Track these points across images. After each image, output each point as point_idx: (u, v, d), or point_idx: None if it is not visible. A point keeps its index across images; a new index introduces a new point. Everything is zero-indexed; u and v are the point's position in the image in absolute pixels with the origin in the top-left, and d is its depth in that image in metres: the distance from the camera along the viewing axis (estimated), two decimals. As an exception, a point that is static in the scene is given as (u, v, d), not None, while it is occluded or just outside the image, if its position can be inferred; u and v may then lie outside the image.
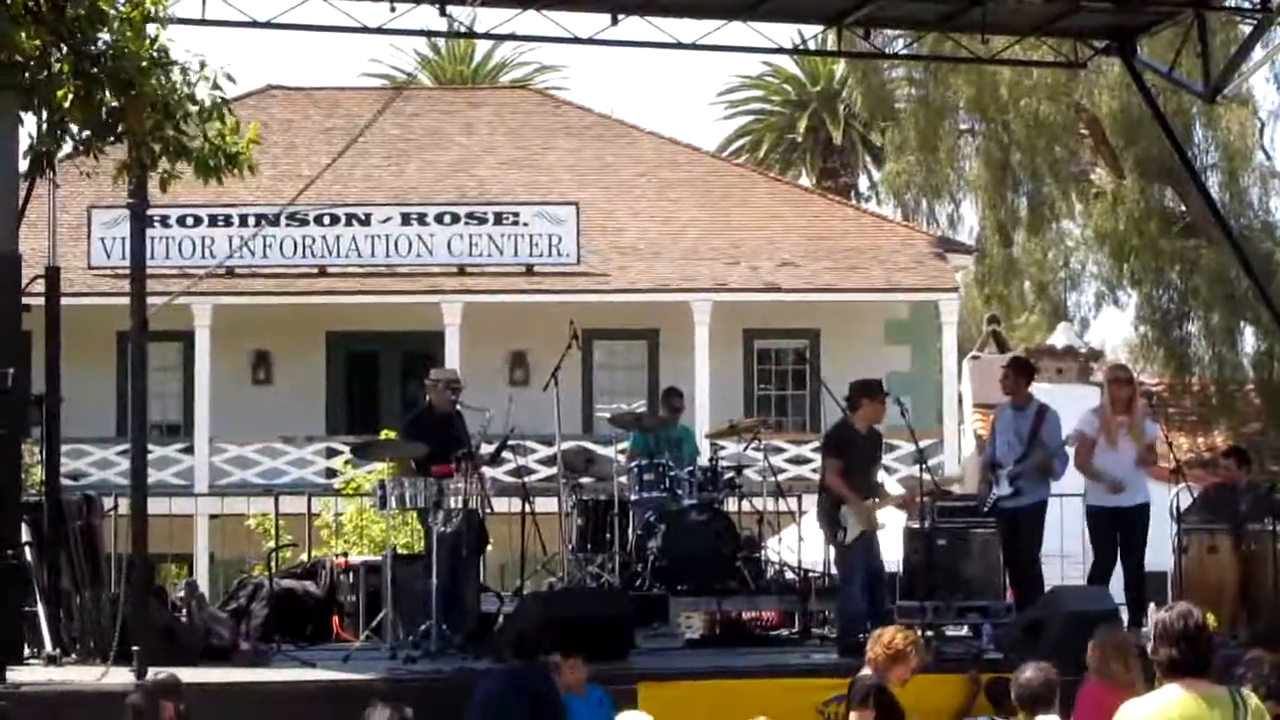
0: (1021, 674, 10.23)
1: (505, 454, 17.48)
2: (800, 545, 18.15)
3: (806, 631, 17.25)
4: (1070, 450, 16.01)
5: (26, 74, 12.54)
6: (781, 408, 34.99)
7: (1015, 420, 16.19)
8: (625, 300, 33.37)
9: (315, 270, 33.11)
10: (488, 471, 16.62)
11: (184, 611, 15.55)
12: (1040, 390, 16.82)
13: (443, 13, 17.42)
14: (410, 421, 17.00)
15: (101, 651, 14.24)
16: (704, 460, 18.39)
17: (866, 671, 11.63)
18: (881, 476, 16.32)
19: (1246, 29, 20.52)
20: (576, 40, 18.41)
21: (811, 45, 22.83)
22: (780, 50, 21.33)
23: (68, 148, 13.92)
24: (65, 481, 18.22)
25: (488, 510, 15.84)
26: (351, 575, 17.69)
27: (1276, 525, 15.86)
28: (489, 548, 16.61)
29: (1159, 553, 16.40)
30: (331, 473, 32.03)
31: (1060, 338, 34.73)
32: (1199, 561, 16.00)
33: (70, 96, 12.54)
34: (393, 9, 17.36)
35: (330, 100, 38.65)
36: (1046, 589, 15.70)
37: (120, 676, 13.05)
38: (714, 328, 33.15)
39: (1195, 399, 36.98)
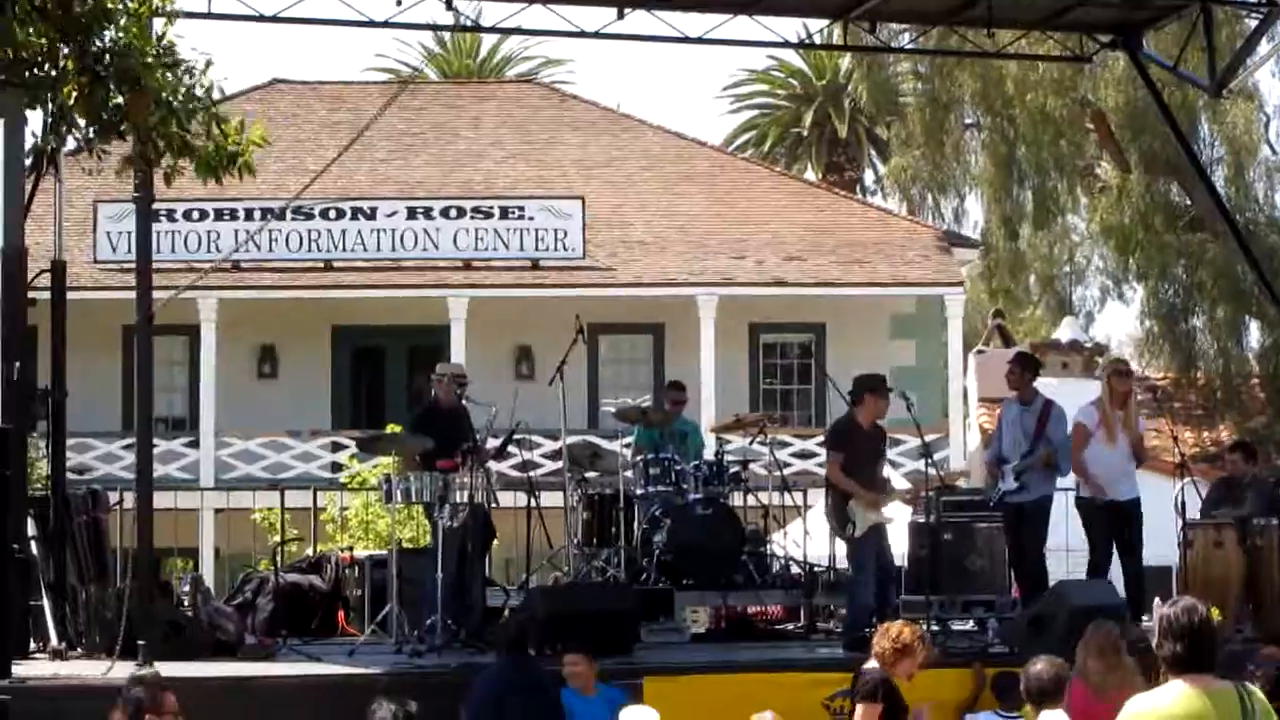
0: (1032, 667, 10.22)
1: (511, 448, 17.47)
2: (806, 540, 18.16)
3: (812, 626, 17.27)
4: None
5: (33, 70, 12.55)
6: (787, 402, 34.96)
7: (1021, 415, 16.20)
8: (631, 294, 33.37)
9: (321, 264, 33.11)
10: (493, 466, 16.62)
11: (189, 606, 15.57)
12: (1045, 385, 16.82)
13: (449, 6, 17.40)
14: (416, 416, 17.00)
15: (107, 646, 14.27)
16: (709, 454, 18.39)
17: (872, 665, 11.63)
18: (886, 471, 16.31)
19: (1252, 23, 20.55)
20: (582, 34, 18.40)
21: (817, 39, 22.73)
22: (786, 44, 21.36)
23: (72, 144, 13.94)
24: (70, 476, 18.21)
25: (493, 504, 15.84)
26: (357, 570, 17.71)
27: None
28: (495, 542, 16.63)
29: (1164, 547, 16.39)
30: (337, 467, 32.02)
31: (1065, 332, 34.75)
32: (1204, 556, 16.00)
33: (75, 94, 12.55)
34: (398, 3, 17.35)
35: (336, 94, 38.63)
36: (1051, 583, 15.71)
37: (125, 671, 13.04)
38: (719, 322, 33.13)
39: (1200, 393, 36.94)
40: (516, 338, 33.73)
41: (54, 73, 12.53)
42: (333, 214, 32.86)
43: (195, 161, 13.21)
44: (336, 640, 16.67)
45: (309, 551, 19.88)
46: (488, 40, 56.02)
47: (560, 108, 39.45)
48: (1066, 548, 16.21)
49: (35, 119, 13.93)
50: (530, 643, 13.33)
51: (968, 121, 40.02)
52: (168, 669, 12.54)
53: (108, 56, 12.37)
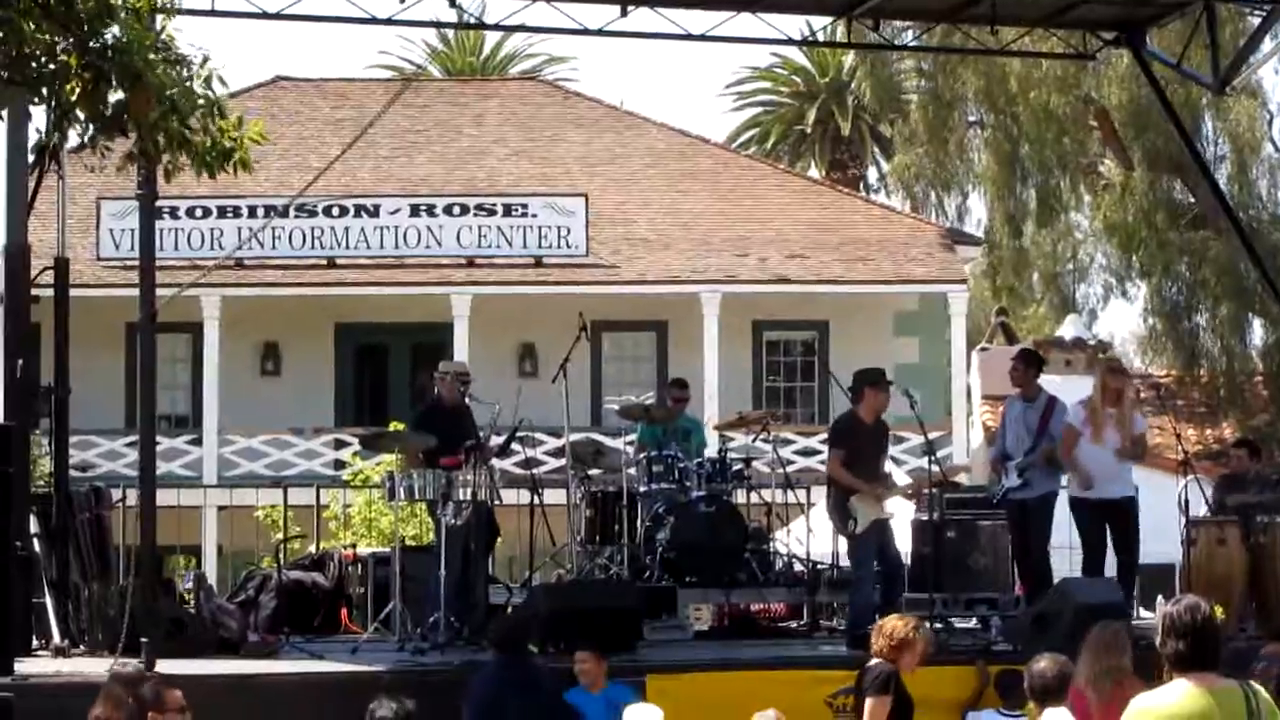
0: (1036, 664, 10.19)
1: (514, 446, 17.48)
2: (809, 537, 18.14)
3: (815, 624, 17.28)
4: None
5: (35, 66, 12.54)
6: (790, 399, 34.94)
7: (1024, 412, 16.17)
8: (634, 292, 33.37)
9: (324, 262, 33.11)
10: (496, 463, 16.61)
11: (192, 603, 15.57)
12: (1048, 382, 16.79)
13: (452, 4, 17.41)
14: (420, 413, 16.99)
15: (109, 643, 14.27)
16: (712, 452, 18.37)
17: (877, 661, 11.60)
18: (889, 468, 16.30)
19: (1255, 20, 20.54)
20: (586, 31, 18.40)
21: (820, 37, 22.75)
22: (789, 41, 21.37)
23: (75, 140, 13.92)
24: (73, 473, 18.22)
25: (496, 502, 15.83)
26: (360, 567, 17.72)
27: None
28: (498, 540, 16.62)
29: (1167, 545, 16.36)
30: (340, 464, 32.04)
31: (1069, 329, 34.75)
32: (1207, 554, 15.97)
33: (78, 90, 12.53)
34: (402, 0, 17.36)
35: (339, 92, 38.64)
36: (1055, 581, 15.69)
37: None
38: (723, 319, 33.12)
39: (1204, 391, 36.91)
40: (520, 335, 33.73)
41: (56, 69, 12.51)
42: (336, 211, 32.85)
43: (192, 157, 13.19)
44: (339, 638, 16.67)
45: (312, 549, 19.89)
46: (491, 38, 56.12)
47: (564, 105, 39.45)
48: (1069, 545, 16.18)
49: (38, 115, 13.95)
50: (528, 641, 13.31)
51: (971, 119, 39.99)
52: (170, 666, 12.54)
53: (110, 53, 12.35)
